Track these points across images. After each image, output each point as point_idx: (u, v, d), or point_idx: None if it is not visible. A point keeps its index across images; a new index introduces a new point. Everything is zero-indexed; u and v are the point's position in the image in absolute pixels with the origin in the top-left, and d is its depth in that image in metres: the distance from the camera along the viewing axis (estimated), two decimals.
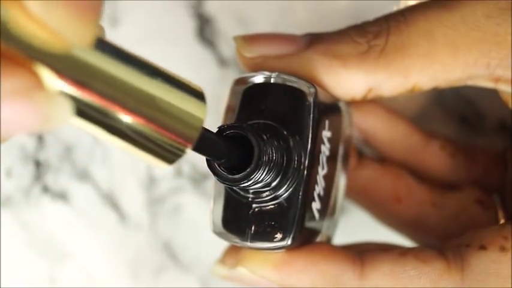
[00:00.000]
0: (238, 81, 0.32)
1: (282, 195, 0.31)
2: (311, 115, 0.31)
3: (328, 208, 0.34)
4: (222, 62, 0.44)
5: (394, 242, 0.36)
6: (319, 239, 0.34)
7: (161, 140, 0.25)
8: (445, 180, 0.40)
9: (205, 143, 0.27)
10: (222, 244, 0.35)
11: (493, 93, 0.35)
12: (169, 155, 0.25)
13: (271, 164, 0.29)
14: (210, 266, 0.43)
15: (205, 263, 0.46)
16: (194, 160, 0.45)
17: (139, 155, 0.25)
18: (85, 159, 0.45)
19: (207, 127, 0.28)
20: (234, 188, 0.31)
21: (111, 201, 0.45)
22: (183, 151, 0.25)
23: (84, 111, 0.23)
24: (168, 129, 0.25)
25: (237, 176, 0.29)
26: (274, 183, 0.30)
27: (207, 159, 0.29)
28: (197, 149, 0.27)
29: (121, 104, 0.24)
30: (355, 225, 0.43)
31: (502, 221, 0.38)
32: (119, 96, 0.24)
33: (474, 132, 0.43)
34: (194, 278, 0.46)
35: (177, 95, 0.25)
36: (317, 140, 0.31)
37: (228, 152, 0.29)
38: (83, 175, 0.45)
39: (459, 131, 0.43)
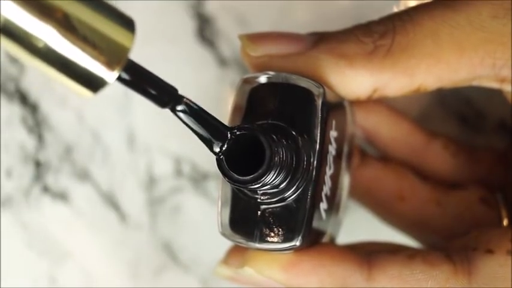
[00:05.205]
0: (245, 81, 0.32)
1: (290, 196, 0.31)
2: (319, 115, 0.31)
3: (333, 208, 0.34)
4: (222, 62, 0.44)
5: (396, 241, 0.36)
6: (324, 239, 0.34)
7: (80, 65, 0.25)
8: (448, 179, 0.40)
9: (133, 75, 0.26)
10: (222, 244, 0.35)
11: (493, 93, 0.35)
12: (91, 83, 0.25)
13: (282, 165, 0.29)
14: (210, 266, 0.43)
15: (205, 263, 0.46)
16: (194, 160, 0.45)
17: (62, 81, 0.25)
18: (85, 159, 0.45)
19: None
20: (242, 189, 0.31)
21: (111, 201, 0.45)
22: (105, 80, 0.25)
23: (5, 27, 0.23)
24: (87, 52, 0.25)
25: (247, 178, 0.28)
26: (283, 184, 0.30)
27: (216, 159, 0.29)
28: (126, 82, 0.26)
29: (38, 19, 0.24)
30: (357, 225, 0.43)
31: (505, 220, 0.38)
32: (35, 12, 0.23)
33: (474, 132, 0.44)
34: (194, 278, 0.46)
35: (101, 19, 0.25)
36: (325, 141, 0.31)
37: (173, 92, 0.28)
38: (83, 175, 0.45)
39: (459, 131, 0.44)
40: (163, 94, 0.28)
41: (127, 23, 0.26)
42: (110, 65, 0.25)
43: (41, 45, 0.24)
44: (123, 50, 0.25)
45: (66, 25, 0.24)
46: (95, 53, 0.25)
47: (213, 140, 0.29)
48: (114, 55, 0.25)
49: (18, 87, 0.44)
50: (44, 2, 0.24)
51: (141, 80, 0.27)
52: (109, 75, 0.25)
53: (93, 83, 0.25)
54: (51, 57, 0.24)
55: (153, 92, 0.27)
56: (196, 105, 0.29)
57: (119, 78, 0.26)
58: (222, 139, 0.29)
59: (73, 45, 0.24)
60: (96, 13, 0.25)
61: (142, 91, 0.27)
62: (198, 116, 0.29)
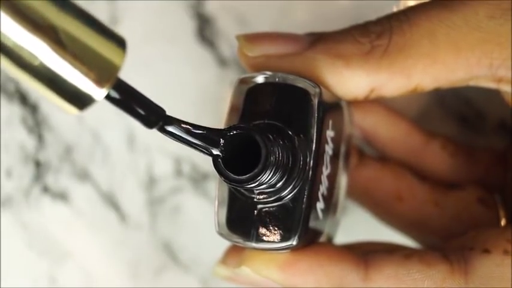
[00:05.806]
0: (242, 81, 0.32)
1: (287, 195, 0.31)
2: (316, 115, 0.31)
3: (330, 207, 0.34)
4: (222, 62, 0.44)
5: (394, 241, 0.36)
6: (321, 239, 0.34)
7: (69, 81, 0.25)
8: (446, 179, 0.40)
9: (122, 94, 0.26)
10: (222, 244, 0.35)
11: (493, 93, 0.35)
12: (79, 100, 0.25)
13: (278, 165, 0.29)
14: (210, 266, 0.43)
15: (205, 263, 0.46)
16: (194, 160, 0.45)
17: (50, 97, 0.25)
18: (85, 159, 0.45)
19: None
20: (239, 188, 0.31)
21: (111, 201, 0.45)
22: (93, 97, 0.25)
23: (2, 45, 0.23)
24: (77, 68, 0.25)
25: (243, 177, 0.29)
26: (279, 184, 0.30)
27: (213, 159, 0.29)
28: (114, 100, 0.26)
29: (32, 34, 0.24)
30: (355, 225, 0.43)
31: (503, 220, 0.38)
32: (29, 27, 0.23)
33: (474, 132, 0.44)
34: (194, 278, 0.46)
35: (93, 36, 0.25)
36: (322, 140, 0.31)
37: (161, 112, 0.28)
38: (83, 175, 0.45)
39: (459, 131, 0.44)
40: (151, 114, 0.27)
41: (118, 42, 0.26)
42: (99, 82, 0.25)
43: (36, 63, 0.24)
44: (113, 68, 0.25)
45: (58, 41, 0.24)
46: (85, 69, 0.25)
47: (207, 148, 0.29)
48: (104, 73, 0.25)
49: (18, 87, 0.44)
50: (38, 19, 0.24)
51: (130, 99, 0.27)
52: (98, 93, 0.25)
53: (81, 100, 0.25)
54: (43, 73, 0.24)
55: (141, 111, 0.27)
56: (184, 122, 0.28)
57: (107, 97, 0.26)
58: (215, 146, 0.29)
59: (64, 61, 0.24)
60: (88, 31, 0.25)
61: (129, 110, 0.27)
62: (188, 132, 0.29)
